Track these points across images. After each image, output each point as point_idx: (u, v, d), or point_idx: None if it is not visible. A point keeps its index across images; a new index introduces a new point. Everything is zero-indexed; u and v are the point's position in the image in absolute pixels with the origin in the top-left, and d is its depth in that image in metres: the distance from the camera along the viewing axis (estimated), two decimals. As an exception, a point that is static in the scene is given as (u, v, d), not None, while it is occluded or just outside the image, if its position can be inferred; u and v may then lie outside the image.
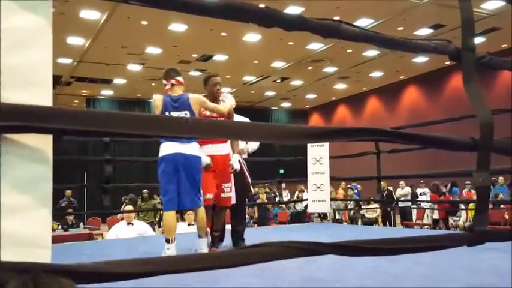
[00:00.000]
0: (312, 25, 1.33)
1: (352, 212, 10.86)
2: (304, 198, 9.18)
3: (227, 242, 4.09)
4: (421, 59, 15.03)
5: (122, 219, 5.91)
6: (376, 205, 10.19)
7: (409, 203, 10.55)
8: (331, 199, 6.87)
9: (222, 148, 3.82)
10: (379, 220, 10.63)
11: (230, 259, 1.10)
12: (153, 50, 13.33)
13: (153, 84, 16.68)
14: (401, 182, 11.49)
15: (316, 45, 13.40)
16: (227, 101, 3.89)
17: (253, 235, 4.61)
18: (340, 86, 18.60)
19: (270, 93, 19.51)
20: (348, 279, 2.47)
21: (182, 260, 1.05)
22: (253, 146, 4.38)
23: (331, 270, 2.71)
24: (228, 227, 4.15)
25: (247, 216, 9.41)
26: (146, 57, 13.91)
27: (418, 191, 11.62)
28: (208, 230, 3.73)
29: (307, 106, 22.75)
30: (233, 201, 3.88)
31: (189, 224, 6.05)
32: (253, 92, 18.42)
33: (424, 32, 12.31)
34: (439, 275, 2.56)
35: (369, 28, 14.19)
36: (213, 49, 13.48)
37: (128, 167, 17.22)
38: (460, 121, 5.30)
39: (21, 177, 0.95)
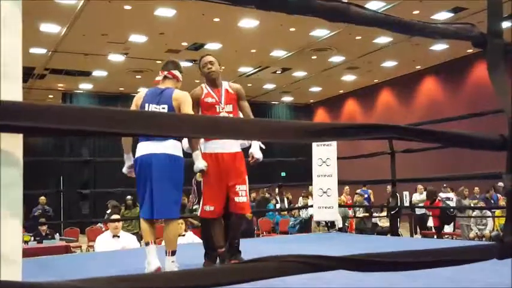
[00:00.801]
0: (317, 7, 1.32)
1: (361, 221, 10.86)
2: (309, 204, 9.18)
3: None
4: (440, 46, 15.04)
5: (107, 229, 5.86)
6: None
7: (425, 210, 10.57)
8: (340, 205, 6.87)
9: (231, 144, 3.72)
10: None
11: (221, 276, 1.06)
12: (137, 38, 13.32)
13: (137, 77, 16.66)
14: (420, 186, 11.50)
15: (321, 32, 13.40)
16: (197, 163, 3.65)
17: (251, 247, 4.59)
18: (349, 77, 18.60)
19: (269, 86, 19.51)
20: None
21: (166, 276, 1.04)
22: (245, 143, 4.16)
23: None
24: None
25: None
26: (129, 47, 13.90)
27: (441, 195, 11.64)
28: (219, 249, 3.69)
29: (311, 100, 22.74)
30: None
31: (179, 235, 6.03)
32: (250, 84, 18.41)
33: (443, 16, 12.31)
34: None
35: (381, 12, 14.27)
36: (204, 37, 13.47)
37: (110, 169, 17.17)
38: (485, 117, 5.30)
39: (-14, 183, 0.94)
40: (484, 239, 9.38)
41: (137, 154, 3.45)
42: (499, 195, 11.46)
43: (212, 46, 14.16)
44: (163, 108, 3.45)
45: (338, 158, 6.31)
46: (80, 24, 11.98)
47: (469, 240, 8.94)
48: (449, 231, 10.35)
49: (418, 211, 10.85)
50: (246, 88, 19.11)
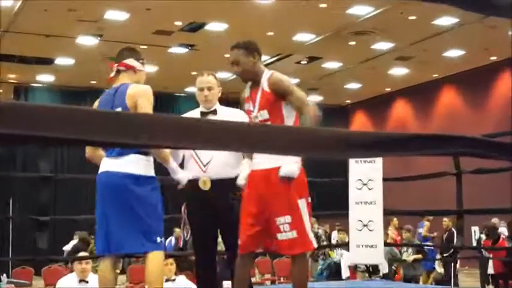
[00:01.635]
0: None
1: (411, 266, 10.80)
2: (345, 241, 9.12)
3: None
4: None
5: (71, 270, 5.86)
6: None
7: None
8: (386, 244, 6.83)
9: (270, 159, 3.62)
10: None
11: None
12: (115, 15, 13.40)
13: (115, 66, 16.75)
14: (495, 220, 11.43)
15: (362, 9, 13.39)
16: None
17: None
18: (399, 70, 18.54)
19: (291, 81, 19.48)
20: None
21: None
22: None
23: None
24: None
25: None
26: (105, 26, 13.98)
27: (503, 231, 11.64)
28: None
29: (347, 101, 22.69)
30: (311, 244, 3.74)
31: (167, 280, 6.02)
32: (266, 78, 18.41)
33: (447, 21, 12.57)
34: None
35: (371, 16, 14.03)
36: (205, 14, 13.52)
37: (76, 189, 17.20)
38: None
39: None
40: None
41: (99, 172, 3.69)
42: None
43: (215, 26, 14.20)
44: None
45: (384, 180, 6.28)
46: (40, -4, 12.10)
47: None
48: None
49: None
50: (260, 83, 18.56)
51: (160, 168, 4.47)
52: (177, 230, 11.18)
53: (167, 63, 16.60)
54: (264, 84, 3.80)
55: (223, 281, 5.22)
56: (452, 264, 10.55)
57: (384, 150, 1.21)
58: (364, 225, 6.23)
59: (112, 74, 3.81)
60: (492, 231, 10.36)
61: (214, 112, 4.23)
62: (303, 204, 3.65)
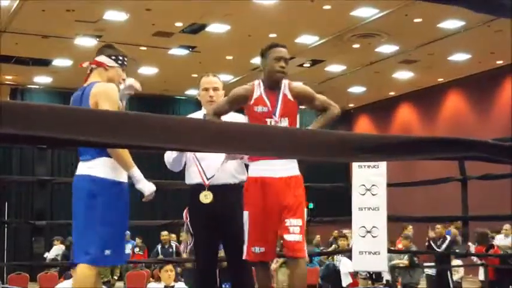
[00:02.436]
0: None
1: (407, 273, 10.78)
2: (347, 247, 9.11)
3: None
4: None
5: (63, 278, 5.87)
6: (459, 261, 10.11)
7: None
8: (390, 251, 6.81)
9: (284, 166, 3.78)
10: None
11: None
12: (115, 16, 13.41)
13: (113, 68, 16.75)
14: (507, 226, 11.45)
15: (367, 11, 13.40)
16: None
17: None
18: (404, 74, 18.54)
19: (292, 84, 19.48)
20: None
21: None
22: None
23: None
24: None
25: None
26: (104, 27, 13.99)
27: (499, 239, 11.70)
28: None
29: (351, 105, 22.68)
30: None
31: (165, 287, 6.02)
32: (267, 81, 18.40)
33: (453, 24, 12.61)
34: None
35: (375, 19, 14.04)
36: (206, 15, 13.52)
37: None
38: None
39: None
40: None
41: None
42: None
43: (216, 28, 14.20)
44: None
45: (388, 185, 6.27)
46: (38, -4, 12.11)
47: None
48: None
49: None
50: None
51: (167, 172, 4.47)
52: (183, 234, 11.12)
53: (167, 65, 16.61)
54: (287, 92, 3.98)
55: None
56: (449, 272, 10.58)
57: (388, 153, 1.20)
58: (368, 232, 6.22)
59: (87, 72, 3.83)
60: (483, 238, 10.44)
61: None
62: (305, 211, 3.87)
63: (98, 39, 14.73)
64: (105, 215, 3.46)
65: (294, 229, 3.72)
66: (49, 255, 12.81)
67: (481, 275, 10.63)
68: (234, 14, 13.34)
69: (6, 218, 16.87)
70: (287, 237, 3.72)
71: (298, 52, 16.13)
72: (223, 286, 5.90)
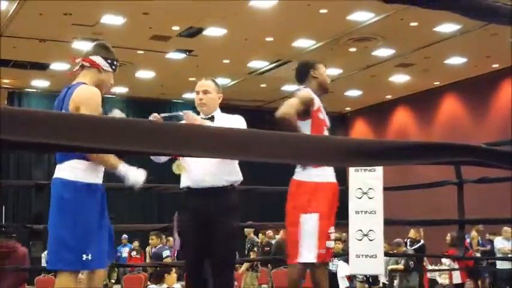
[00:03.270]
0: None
1: (402, 278, 10.81)
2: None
3: None
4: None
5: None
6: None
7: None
8: (387, 254, 6.81)
9: (331, 171, 4.11)
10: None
11: None
12: (112, 20, 13.41)
13: (111, 72, 16.74)
14: (506, 228, 11.50)
15: (362, 15, 13.42)
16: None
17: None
18: (400, 77, 18.56)
19: (290, 88, 19.48)
20: None
21: None
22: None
23: None
24: None
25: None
26: (101, 31, 13.99)
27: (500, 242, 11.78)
28: None
29: (347, 108, 22.68)
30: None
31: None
32: (264, 85, 18.38)
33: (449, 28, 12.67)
34: None
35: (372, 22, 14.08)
36: (203, 19, 13.53)
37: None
38: None
39: None
40: None
41: None
42: None
43: (213, 32, 14.20)
44: None
45: (385, 189, 6.27)
46: None
47: None
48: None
49: (500, 265, 10.95)
50: (258, 90, 19.43)
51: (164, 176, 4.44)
52: (170, 239, 11.13)
53: (164, 69, 16.60)
54: None
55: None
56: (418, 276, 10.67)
57: (385, 158, 1.21)
58: (364, 235, 6.22)
59: (75, 69, 3.66)
60: (457, 241, 10.53)
61: (212, 119, 4.09)
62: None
63: (95, 43, 14.70)
64: (76, 218, 3.36)
65: (332, 236, 4.19)
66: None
67: (456, 279, 10.81)
68: (231, 18, 13.35)
69: (3, 222, 16.86)
70: (328, 244, 4.10)
71: (294, 56, 16.13)
72: None
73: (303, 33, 14.53)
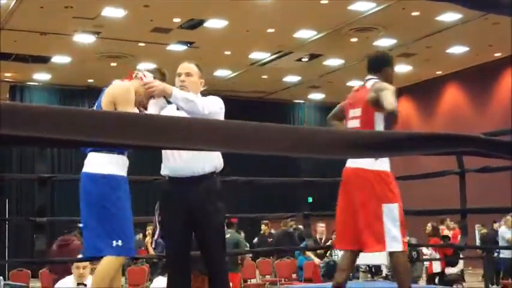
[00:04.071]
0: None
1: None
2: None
3: None
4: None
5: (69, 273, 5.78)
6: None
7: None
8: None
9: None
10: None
11: None
12: (113, 12, 13.39)
13: (112, 65, 16.73)
14: (509, 217, 11.54)
15: (364, 5, 13.38)
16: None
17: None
18: (402, 67, 18.52)
19: (292, 79, 19.48)
20: None
21: None
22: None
23: None
24: None
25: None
26: (102, 23, 13.97)
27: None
28: None
29: (349, 99, 22.67)
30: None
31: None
32: (265, 76, 18.37)
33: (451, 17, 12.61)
34: None
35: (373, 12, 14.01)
36: (204, 11, 13.51)
37: (75, 190, 17.20)
38: None
39: None
40: None
41: None
42: None
43: (214, 23, 14.19)
44: None
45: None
46: (36, -7, 12.10)
47: None
48: None
49: (503, 253, 11.03)
50: (259, 81, 19.42)
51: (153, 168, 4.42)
52: (149, 228, 10.94)
53: (166, 61, 16.56)
54: (370, 84, 4.66)
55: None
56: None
57: (388, 149, 1.21)
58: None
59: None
60: (435, 231, 10.83)
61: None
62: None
63: (96, 35, 14.71)
64: (104, 209, 3.59)
65: None
66: None
67: (437, 269, 10.98)
68: (232, 10, 13.33)
69: (7, 215, 16.89)
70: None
71: (296, 47, 16.13)
72: None
73: (304, 24, 14.50)
